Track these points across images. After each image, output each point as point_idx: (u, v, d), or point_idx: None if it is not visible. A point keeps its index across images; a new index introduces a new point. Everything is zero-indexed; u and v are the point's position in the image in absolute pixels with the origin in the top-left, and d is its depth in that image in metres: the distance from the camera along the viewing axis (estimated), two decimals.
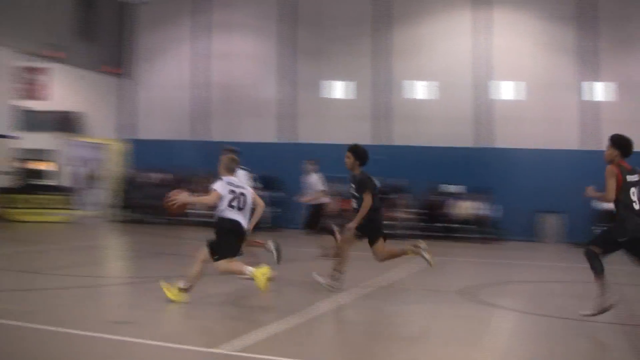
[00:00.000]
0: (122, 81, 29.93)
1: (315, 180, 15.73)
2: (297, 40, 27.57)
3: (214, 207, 9.43)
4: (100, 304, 9.69)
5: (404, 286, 12.27)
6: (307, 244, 16.14)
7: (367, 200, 10.45)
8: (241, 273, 9.17)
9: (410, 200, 23.84)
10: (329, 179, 24.58)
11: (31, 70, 32.18)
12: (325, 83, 27.33)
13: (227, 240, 9.26)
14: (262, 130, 27.57)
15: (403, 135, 26.10)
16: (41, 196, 24.23)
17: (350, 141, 25.13)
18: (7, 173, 24.96)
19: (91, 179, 28.47)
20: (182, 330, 8.12)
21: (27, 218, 23.46)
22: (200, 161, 27.53)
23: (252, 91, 28.07)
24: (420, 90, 26.49)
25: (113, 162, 31.60)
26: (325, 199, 15.74)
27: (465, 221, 23.22)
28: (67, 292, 10.37)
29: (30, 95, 32.00)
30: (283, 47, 27.71)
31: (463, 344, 7.86)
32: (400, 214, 23.17)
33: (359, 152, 11.35)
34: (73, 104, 31.38)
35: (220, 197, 9.29)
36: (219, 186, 9.38)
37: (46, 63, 30.67)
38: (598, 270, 8.42)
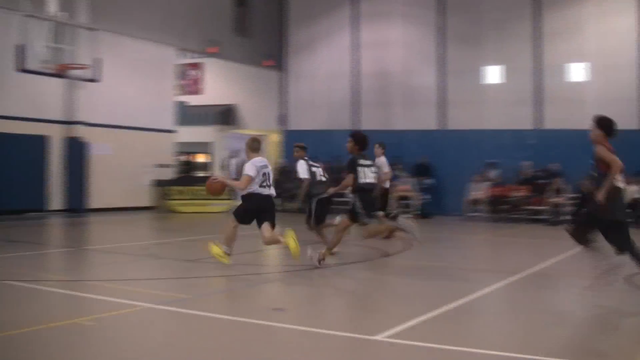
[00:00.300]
0: (277, 73, 30.26)
1: (382, 163, 15.76)
2: (449, 26, 26.82)
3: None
4: (257, 292, 9.69)
5: (560, 273, 11.62)
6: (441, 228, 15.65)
7: (347, 180, 11.17)
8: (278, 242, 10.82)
9: (564, 185, 22.76)
10: (484, 165, 24.14)
11: (190, 66, 33.26)
12: (479, 69, 26.50)
13: (248, 212, 10.88)
14: (414, 118, 27.12)
15: (558, 119, 24.88)
16: (199, 187, 24.80)
17: (506, 127, 24.66)
18: (167, 166, 25.76)
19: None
20: (337, 318, 7.97)
21: (186, 209, 24.12)
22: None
23: (405, 79, 27.62)
24: (575, 72, 25.16)
25: (269, 153, 32.10)
26: (387, 183, 15.73)
27: (630, 205, 21.87)
28: (226, 280, 10.51)
29: (190, 90, 33.12)
30: (436, 34, 27.07)
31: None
32: (554, 199, 22.15)
33: (357, 138, 11.57)
34: (229, 98, 32.15)
35: (251, 181, 10.57)
36: (250, 170, 10.62)
37: (204, 59, 31.58)
38: None
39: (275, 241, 10.86)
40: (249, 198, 10.82)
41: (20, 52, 17.81)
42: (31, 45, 18.20)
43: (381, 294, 9.33)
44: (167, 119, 26.10)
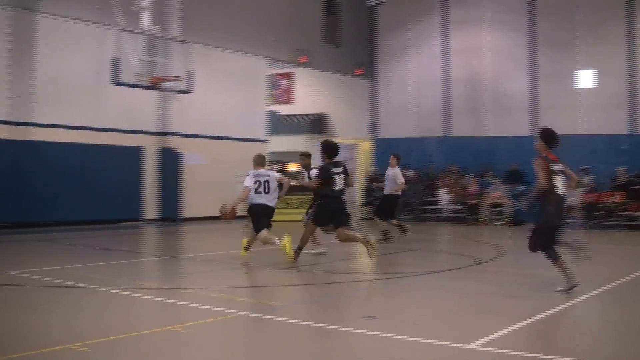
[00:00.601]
0: (367, 82, 30.21)
1: (396, 174, 16.87)
2: (540, 30, 26.18)
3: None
4: (349, 300, 9.60)
5: None
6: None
7: (313, 183, 12.55)
8: (272, 243, 12.35)
9: None
10: (577, 171, 23.46)
11: (281, 76, 33.54)
12: (571, 73, 25.80)
13: (259, 219, 12.69)
14: (505, 124, 26.60)
15: None
16: (291, 197, 24.88)
17: (600, 132, 23.94)
18: None
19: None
20: (429, 326, 7.80)
21: (278, 218, 24.13)
22: (445, 157, 27.19)
23: (495, 85, 27.15)
24: None
25: (361, 161, 32.03)
26: (400, 192, 17.13)
27: None
28: (318, 287, 10.51)
29: (281, 100, 33.38)
30: (526, 38, 26.49)
31: None
32: None
33: (325, 146, 12.41)
34: (320, 107, 32.27)
35: (250, 190, 12.52)
36: (247, 181, 12.69)
37: (294, 69, 31.80)
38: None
39: (270, 241, 12.46)
40: (251, 208, 12.91)
41: (116, 65, 18.26)
42: (126, 59, 18.63)
43: (473, 302, 9.12)
44: (259, 129, 26.33)
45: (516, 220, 22.82)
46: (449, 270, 12.00)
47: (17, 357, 6.05)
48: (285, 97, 33.80)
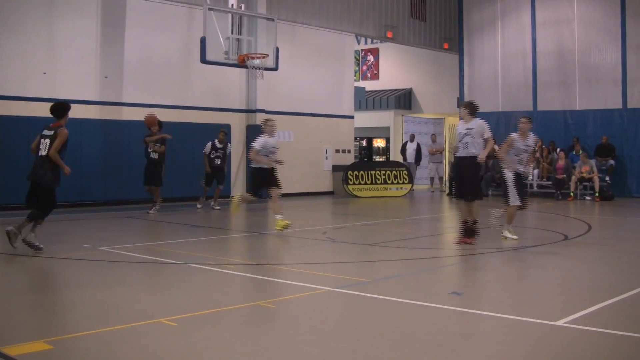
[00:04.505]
0: (454, 56, 29.79)
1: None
2: (630, 0, 25.28)
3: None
4: (435, 276, 9.55)
5: None
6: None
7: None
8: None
9: None
10: None
11: (368, 52, 33.39)
12: None
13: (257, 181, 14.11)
14: (594, 97, 25.77)
15: None
16: (377, 172, 24.85)
17: None
18: (347, 151, 25.99)
19: (427, 154, 28.70)
20: (515, 303, 7.72)
21: (365, 194, 24.23)
22: (533, 132, 26.48)
23: (584, 57, 26.27)
24: None
25: (447, 135, 31.72)
26: None
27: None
28: (403, 263, 10.43)
29: (367, 75, 33.23)
30: (616, 9, 25.56)
31: None
32: None
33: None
34: (406, 82, 32.04)
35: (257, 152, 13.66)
36: (257, 144, 13.75)
37: (380, 44, 31.62)
38: None
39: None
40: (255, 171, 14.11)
41: (203, 44, 18.46)
42: (213, 38, 18.83)
43: (560, 279, 8.96)
44: (346, 105, 26.30)
45: (605, 195, 22.23)
46: (537, 246, 11.77)
47: (110, 330, 6.22)
48: (372, 72, 33.65)
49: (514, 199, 12.07)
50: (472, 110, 11.83)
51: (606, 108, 25.17)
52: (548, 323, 6.52)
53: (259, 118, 22.79)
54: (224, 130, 19.55)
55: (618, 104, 24.94)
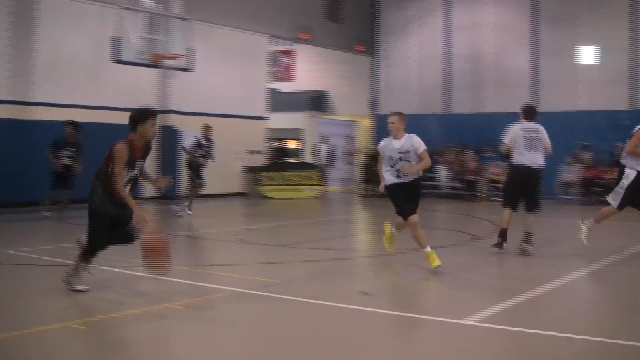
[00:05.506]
0: (368, 58, 30.21)
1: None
2: (543, 6, 26.16)
3: None
4: (345, 276, 9.74)
5: None
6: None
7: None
8: None
9: None
10: (577, 147, 23.58)
11: (282, 53, 33.49)
12: (573, 48, 25.81)
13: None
14: (506, 101, 26.55)
15: None
16: (292, 173, 25.06)
17: (600, 108, 24.00)
18: (259, 152, 26.06)
19: (340, 156, 29.05)
20: (424, 302, 7.98)
21: (276, 195, 24.39)
22: (446, 134, 27.23)
23: (497, 61, 27.13)
24: None
25: (360, 138, 32.12)
26: None
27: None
28: (314, 264, 10.60)
29: (281, 77, 33.35)
30: (529, 14, 26.47)
31: None
32: None
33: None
34: (320, 84, 32.28)
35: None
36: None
37: (295, 46, 31.79)
38: None
39: None
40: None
41: (116, 43, 18.31)
42: (126, 37, 18.69)
43: (468, 278, 9.28)
44: (259, 106, 26.36)
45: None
46: (445, 246, 12.13)
47: (15, 335, 6.20)
48: (286, 74, 33.80)
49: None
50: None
51: (516, 112, 25.89)
52: (455, 322, 6.78)
53: (174, 119, 22.73)
54: (209, 125, 18.44)
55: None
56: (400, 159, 9.72)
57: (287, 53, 33.64)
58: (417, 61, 28.98)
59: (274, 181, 24.76)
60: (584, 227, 11.28)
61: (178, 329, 6.69)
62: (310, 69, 32.88)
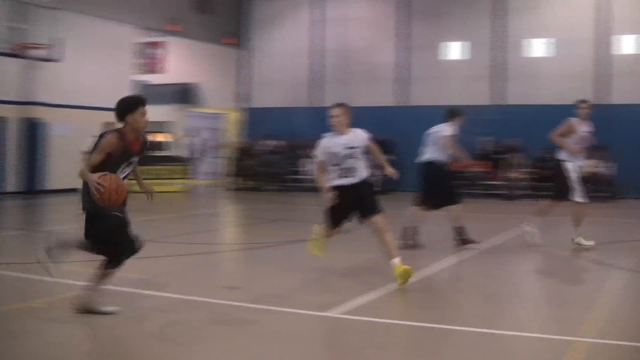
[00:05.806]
0: (238, 51, 30.33)
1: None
2: (412, 2, 27.16)
3: None
4: (212, 271, 9.93)
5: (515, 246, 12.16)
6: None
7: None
8: None
9: (523, 160, 23.48)
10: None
11: (150, 45, 33.05)
12: (441, 44, 26.89)
13: None
14: (377, 95, 27.33)
15: (518, 94, 25.52)
16: (158, 167, 24.91)
17: (465, 102, 25.13)
18: None
19: (208, 149, 29.06)
20: (291, 295, 8.14)
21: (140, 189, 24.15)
22: (315, 127, 27.58)
23: (367, 56, 27.84)
24: (537, 48, 25.77)
25: (230, 131, 32.20)
26: None
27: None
28: (181, 259, 10.67)
29: (149, 69, 32.90)
30: (398, 10, 27.36)
31: (576, 303, 7.88)
32: (513, 174, 23.23)
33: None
34: (190, 76, 32.12)
35: None
36: None
37: (164, 37, 31.49)
38: None
39: None
40: None
41: None
42: None
43: (333, 271, 9.48)
44: None
45: (384, 189, 23.61)
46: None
47: None
48: (155, 66, 33.41)
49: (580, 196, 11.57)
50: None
51: (385, 105, 26.79)
52: (322, 314, 7.04)
53: (39, 111, 22.19)
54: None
55: (396, 102, 26.66)
56: (348, 155, 8.96)
57: (158, 45, 33.27)
58: (289, 54, 29.34)
59: (140, 175, 24.51)
60: (529, 229, 11.83)
61: (38, 331, 6.63)
62: (181, 61, 32.62)
